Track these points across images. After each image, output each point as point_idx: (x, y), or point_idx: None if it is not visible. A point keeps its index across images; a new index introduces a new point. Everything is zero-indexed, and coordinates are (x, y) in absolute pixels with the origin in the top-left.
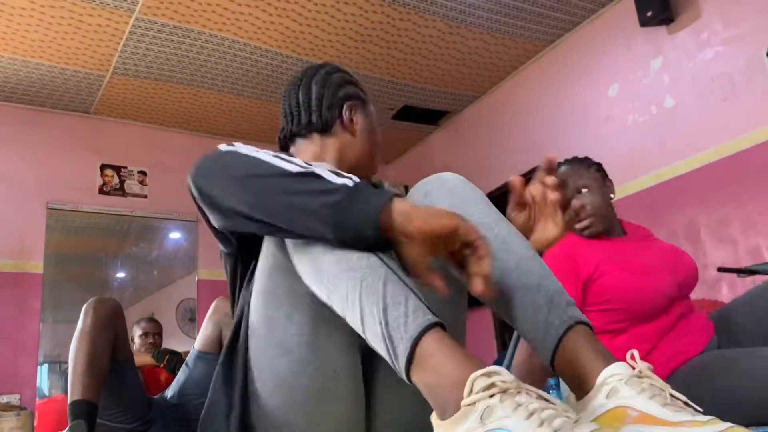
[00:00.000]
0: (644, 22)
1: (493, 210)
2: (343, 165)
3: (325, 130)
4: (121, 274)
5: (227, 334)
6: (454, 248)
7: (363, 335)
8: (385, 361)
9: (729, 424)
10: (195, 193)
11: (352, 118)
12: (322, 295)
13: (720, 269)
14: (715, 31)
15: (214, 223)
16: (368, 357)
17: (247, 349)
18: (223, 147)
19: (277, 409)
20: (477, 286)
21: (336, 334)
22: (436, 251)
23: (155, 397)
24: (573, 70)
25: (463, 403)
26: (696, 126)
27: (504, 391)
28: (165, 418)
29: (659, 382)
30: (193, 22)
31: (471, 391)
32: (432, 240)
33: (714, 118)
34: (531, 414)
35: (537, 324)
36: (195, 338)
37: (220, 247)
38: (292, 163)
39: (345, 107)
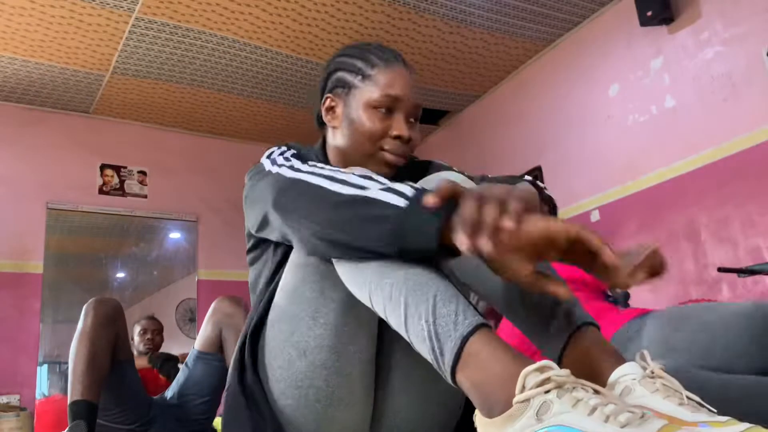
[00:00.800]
0: (644, 22)
1: None
2: (341, 161)
3: (321, 125)
4: (121, 274)
5: (227, 335)
6: (560, 252)
7: (404, 333)
8: (393, 365)
9: (747, 425)
10: (277, 223)
11: (332, 109)
12: (363, 294)
13: (720, 269)
14: (715, 31)
15: (294, 244)
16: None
17: (258, 345)
18: (285, 173)
19: (287, 407)
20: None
21: (356, 339)
22: (537, 258)
23: (155, 397)
24: (573, 70)
25: (515, 399)
26: (696, 126)
27: (560, 386)
28: (165, 418)
29: (672, 383)
30: (193, 21)
31: (524, 387)
32: (530, 248)
33: (714, 118)
34: (593, 409)
35: (544, 323)
36: (195, 338)
37: (252, 237)
38: (346, 185)
39: (324, 101)
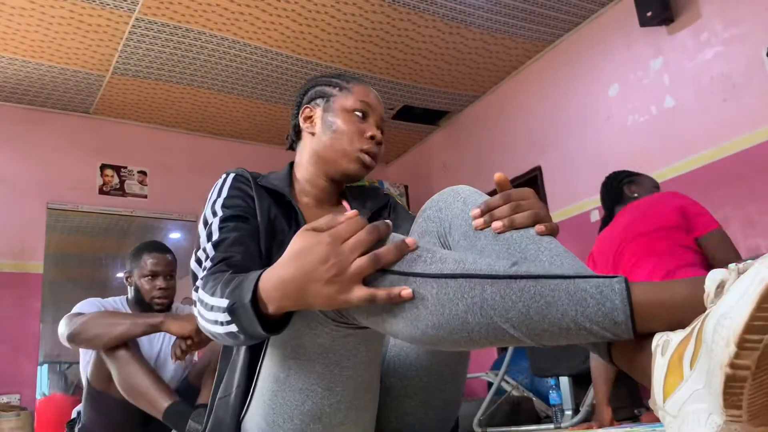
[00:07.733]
0: (644, 22)
1: None
2: (319, 164)
3: (297, 137)
4: (121, 274)
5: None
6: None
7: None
8: (401, 373)
9: None
10: None
11: (311, 117)
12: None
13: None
14: (715, 31)
15: None
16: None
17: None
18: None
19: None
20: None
21: (370, 390)
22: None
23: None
24: (573, 70)
25: (707, 300)
26: (696, 126)
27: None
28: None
29: None
30: (193, 22)
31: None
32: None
33: (714, 118)
34: None
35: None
36: None
37: None
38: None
39: (301, 112)
